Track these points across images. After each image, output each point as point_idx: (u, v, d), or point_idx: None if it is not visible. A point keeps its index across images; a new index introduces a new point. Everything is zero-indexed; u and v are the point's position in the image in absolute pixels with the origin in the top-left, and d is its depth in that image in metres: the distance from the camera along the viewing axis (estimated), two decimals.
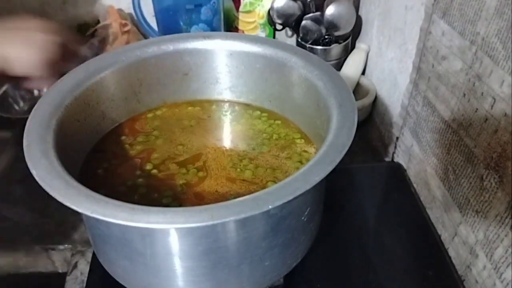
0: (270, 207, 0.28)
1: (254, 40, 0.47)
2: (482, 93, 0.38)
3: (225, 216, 0.27)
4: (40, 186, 0.30)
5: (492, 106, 0.37)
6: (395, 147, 0.59)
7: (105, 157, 0.43)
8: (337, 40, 0.68)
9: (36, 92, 0.66)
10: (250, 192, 0.30)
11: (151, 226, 0.27)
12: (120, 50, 0.46)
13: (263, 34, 0.73)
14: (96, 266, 0.45)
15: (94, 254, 0.46)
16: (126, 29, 0.69)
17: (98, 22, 0.73)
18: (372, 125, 0.67)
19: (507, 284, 0.37)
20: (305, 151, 0.44)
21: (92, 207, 0.28)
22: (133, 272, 0.36)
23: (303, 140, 0.45)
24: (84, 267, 0.47)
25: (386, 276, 0.45)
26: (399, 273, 0.46)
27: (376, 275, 0.45)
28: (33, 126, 0.35)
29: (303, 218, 0.36)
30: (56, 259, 0.50)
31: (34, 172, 0.31)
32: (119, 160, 0.43)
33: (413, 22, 0.52)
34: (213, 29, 0.66)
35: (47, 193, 0.29)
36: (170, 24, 0.64)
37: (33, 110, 0.37)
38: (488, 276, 0.40)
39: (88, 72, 0.42)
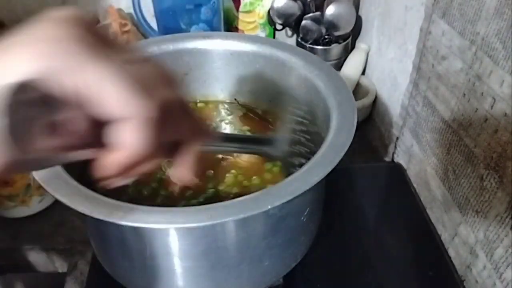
0: (269, 207, 0.28)
1: (254, 40, 0.47)
2: (482, 93, 0.38)
3: (223, 216, 0.27)
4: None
5: (492, 106, 0.37)
6: (395, 147, 0.59)
7: None
8: (337, 40, 0.68)
9: None
10: (250, 193, 0.30)
11: (150, 226, 0.27)
12: None
13: (263, 34, 0.73)
14: (96, 266, 0.45)
15: (94, 254, 0.46)
16: (126, 29, 0.69)
17: (98, 22, 0.73)
18: (372, 125, 0.67)
19: (507, 284, 0.37)
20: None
21: (92, 207, 0.28)
22: (133, 272, 0.36)
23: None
24: (84, 267, 0.47)
25: (386, 276, 0.45)
26: (399, 273, 0.46)
27: (376, 275, 0.45)
28: None
29: (302, 218, 0.36)
30: (56, 259, 0.51)
31: (34, 172, 0.31)
32: None
33: (413, 22, 0.52)
34: (213, 29, 0.66)
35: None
36: (170, 24, 0.64)
37: None
38: (488, 276, 0.40)
39: None
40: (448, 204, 0.46)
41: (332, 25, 0.65)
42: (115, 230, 0.33)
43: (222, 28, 0.69)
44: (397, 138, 0.58)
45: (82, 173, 0.41)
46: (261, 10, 0.71)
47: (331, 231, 0.48)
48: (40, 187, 0.50)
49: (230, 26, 0.74)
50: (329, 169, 0.31)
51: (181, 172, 0.24)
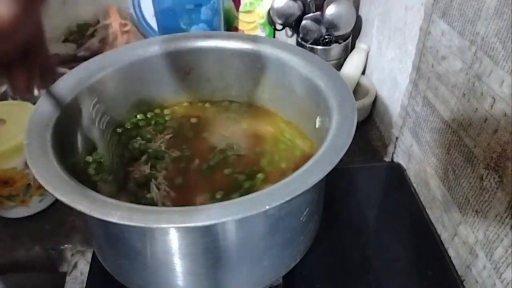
0: (267, 207, 0.28)
1: (254, 40, 0.47)
2: (482, 93, 0.38)
3: (222, 216, 0.27)
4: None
5: (492, 106, 0.37)
6: (395, 147, 0.59)
7: None
8: (337, 40, 0.68)
9: (36, 92, 0.66)
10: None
11: (148, 226, 0.27)
12: (122, 49, 0.46)
13: (263, 34, 0.73)
14: (96, 266, 0.45)
15: (94, 254, 0.47)
16: (126, 29, 0.69)
17: (98, 22, 0.73)
18: (372, 125, 0.67)
19: (507, 284, 0.37)
20: (306, 153, 0.44)
21: (91, 206, 0.28)
22: (133, 271, 0.36)
23: (303, 142, 0.45)
24: (84, 267, 0.47)
25: (386, 276, 0.45)
26: (399, 273, 0.46)
27: (376, 275, 0.45)
28: (33, 126, 0.35)
29: (301, 218, 0.36)
30: (56, 259, 0.51)
31: (34, 171, 0.31)
32: (119, 160, 0.43)
33: (413, 22, 0.52)
34: (213, 29, 0.66)
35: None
36: (170, 24, 0.64)
37: (33, 110, 0.37)
38: (488, 276, 0.39)
39: (89, 71, 0.42)
40: (448, 204, 0.46)
41: (332, 25, 0.65)
42: (115, 229, 0.33)
43: (222, 28, 0.69)
44: (397, 138, 0.58)
45: (82, 173, 0.41)
46: (261, 10, 0.71)
47: (331, 231, 0.48)
48: (40, 187, 0.50)
49: (230, 26, 0.74)
50: (328, 170, 0.30)
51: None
